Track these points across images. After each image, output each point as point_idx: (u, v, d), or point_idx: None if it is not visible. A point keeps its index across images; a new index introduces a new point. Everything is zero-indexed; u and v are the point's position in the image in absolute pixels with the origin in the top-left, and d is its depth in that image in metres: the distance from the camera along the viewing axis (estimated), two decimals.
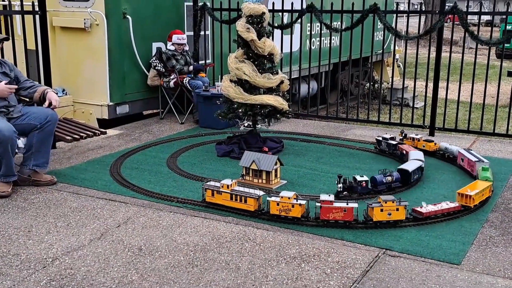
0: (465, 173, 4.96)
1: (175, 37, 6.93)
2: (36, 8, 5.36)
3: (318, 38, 9.08)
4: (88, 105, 6.77)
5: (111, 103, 6.69)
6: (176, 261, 3.24)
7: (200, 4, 7.22)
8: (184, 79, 6.91)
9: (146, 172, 4.91)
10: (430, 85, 6.50)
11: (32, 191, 4.39)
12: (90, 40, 6.62)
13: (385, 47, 12.01)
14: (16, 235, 3.56)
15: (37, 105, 4.64)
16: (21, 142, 4.37)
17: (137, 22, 6.77)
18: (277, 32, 7.04)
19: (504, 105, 11.57)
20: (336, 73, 10.34)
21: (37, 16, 5.42)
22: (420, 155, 4.92)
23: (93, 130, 6.17)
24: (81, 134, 5.99)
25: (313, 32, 8.02)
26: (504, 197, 4.38)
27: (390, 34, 7.30)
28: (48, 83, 5.51)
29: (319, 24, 6.79)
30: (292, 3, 6.97)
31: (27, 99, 4.65)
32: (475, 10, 6.43)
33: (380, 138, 5.64)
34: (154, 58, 6.95)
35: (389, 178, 4.35)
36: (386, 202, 3.71)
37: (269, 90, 5.46)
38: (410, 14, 6.73)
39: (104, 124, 6.74)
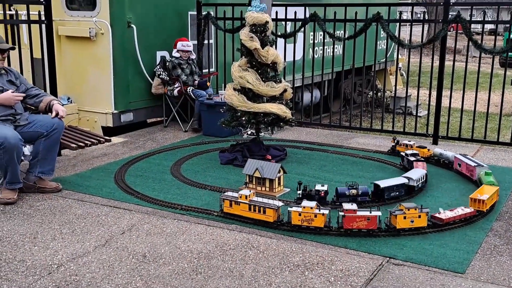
0: (465, 179, 4.99)
1: (179, 44, 6.98)
2: (42, 18, 5.42)
3: (321, 47, 9.12)
4: (93, 113, 6.82)
5: (115, 111, 6.73)
6: (180, 268, 3.25)
7: (204, 13, 7.28)
8: (188, 88, 6.95)
9: (150, 179, 4.94)
10: (434, 93, 6.52)
11: (38, 198, 4.42)
12: (95, 49, 6.68)
13: (388, 55, 12.06)
14: (22, 242, 3.59)
15: (42, 114, 4.68)
16: (27, 149, 4.41)
17: (142, 31, 6.83)
18: (281, 41, 7.08)
19: (508, 114, 11.58)
20: (339, 81, 10.37)
21: (43, 26, 5.48)
22: (417, 172, 4.67)
23: (98, 138, 6.20)
24: (86, 141, 6.01)
25: (316, 41, 8.07)
26: (508, 206, 4.38)
27: (393, 43, 7.34)
28: (54, 91, 5.56)
29: (322, 33, 6.82)
30: (295, 12, 7.01)
31: (33, 107, 4.69)
32: (478, 19, 6.44)
33: (404, 154, 5.36)
34: (158, 67, 6.99)
35: (353, 191, 4.24)
36: (409, 210, 3.72)
37: (272, 99, 5.49)
38: (413, 23, 6.76)
39: (109, 132, 6.78)
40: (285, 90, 5.55)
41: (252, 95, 5.42)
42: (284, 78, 6.52)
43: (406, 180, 4.46)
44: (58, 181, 4.72)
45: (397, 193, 4.37)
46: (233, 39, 7.15)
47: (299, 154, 5.91)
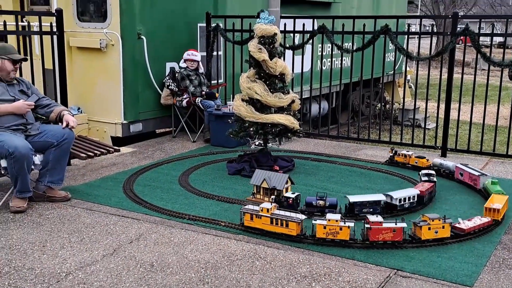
0: (469, 189, 5.01)
1: (185, 53, 7.06)
2: (54, 29, 5.50)
3: (329, 59, 9.17)
4: (102, 123, 6.88)
5: (125, 122, 6.79)
6: (187, 277, 3.26)
7: (213, 25, 7.35)
8: (197, 99, 6.99)
9: (158, 189, 4.96)
10: (442, 106, 6.51)
11: (47, 207, 4.45)
12: (105, 60, 6.76)
13: (396, 68, 12.08)
14: (31, 250, 3.61)
15: (53, 124, 4.74)
16: (37, 159, 4.45)
17: (151, 43, 6.91)
18: (289, 53, 7.13)
19: None
20: (347, 93, 10.39)
21: (55, 37, 5.56)
22: (405, 192, 4.44)
23: (107, 148, 6.24)
24: (95, 151, 6.05)
25: (324, 53, 8.10)
26: None
27: (402, 55, 7.35)
28: (64, 101, 5.63)
29: (330, 44, 6.86)
30: (303, 24, 7.06)
31: (44, 117, 4.75)
32: (487, 32, 6.44)
33: (419, 174, 5.03)
34: (167, 78, 7.06)
35: (321, 202, 4.20)
36: (433, 220, 3.71)
37: (280, 109, 5.51)
38: (421, 36, 6.77)
39: (118, 142, 6.83)
40: (293, 101, 5.57)
41: (260, 106, 5.45)
42: (292, 90, 6.55)
43: (383, 198, 4.31)
44: (67, 190, 4.76)
45: (371, 209, 4.19)
46: (242, 51, 7.21)
47: (307, 165, 5.92)
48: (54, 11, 5.56)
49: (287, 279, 3.26)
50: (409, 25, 6.81)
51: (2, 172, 4.42)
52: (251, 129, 5.46)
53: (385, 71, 7.15)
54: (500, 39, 28.47)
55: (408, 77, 13.03)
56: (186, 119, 7.18)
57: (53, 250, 3.61)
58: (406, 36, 6.92)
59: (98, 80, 6.87)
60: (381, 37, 6.49)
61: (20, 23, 5.49)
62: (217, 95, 7.28)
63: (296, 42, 7.37)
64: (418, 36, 6.81)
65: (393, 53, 11.61)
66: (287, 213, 3.84)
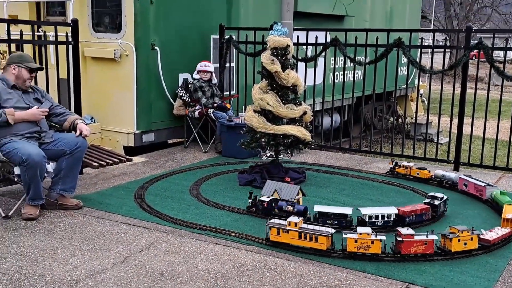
0: (475, 200, 5.01)
1: (199, 65, 7.11)
2: (69, 39, 5.58)
3: (342, 72, 9.19)
4: (115, 132, 6.93)
5: (137, 131, 6.83)
6: (197, 287, 3.25)
7: (226, 37, 7.41)
8: (209, 110, 7.03)
9: (170, 199, 4.97)
10: (455, 121, 6.47)
11: (59, 215, 4.48)
12: (119, 70, 6.83)
13: (409, 82, 12.04)
14: (42, 257, 3.63)
15: (67, 132, 4.79)
16: (50, 166, 4.49)
17: (165, 54, 6.97)
18: (301, 65, 7.14)
19: None
20: (359, 106, 10.36)
21: (70, 47, 5.64)
22: (381, 209, 4.29)
23: (119, 157, 6.30)
24: (108, 160, 6.12)
25: (337, 66, 8.12)
26: None
27: (414, 69, 7.33)
28: (78, 110, 5.69)
29: (343, 57, 6.87)
30: (316, 37, 7.09)
31: (58, 126, 4.80)
32: (501, 46, 6.41)
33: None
34: (180, 89, 7.10)
35: (289, 208, 4.32)
36: (462, 232, 3.70)
37: (292, 121, 5.52)
38: (434, 50, 6.75)
39: (130, 151, 6.87)
40: (305, 113, 5.58)
41: (272, 117, 5.46)
42: (305, 102, 6.56)
43: (349, 212, 4.20)
44: (79, 198, 4.79)
45: (336, 222, 4.14)
46: (254, 62, 7.24)
47: (318, 177, 5.89)
48: (69, 21, 5.65)
49: None
50: (422, 39, 6.79)
51: (15, 179, 4.47)
52: (263, 140, 5.46)
53: (397, 84, 7.13)
54: None
55: (421, 91, 12.98)
56: (198, 129, 7.22)
57: (64, 258, 3.63)
58: (419, 50, 6.89)
59: (111, 90, 6.94)
60: (394, 51, 6.48)
61: (36, 33, 5.58)
62: (229, 106, 7.31)
63: (309, 54, 7.39)
64: (431, 50, 6.78)
65: (406, 67, 11.58)
66: (316, 227, 3.77)
